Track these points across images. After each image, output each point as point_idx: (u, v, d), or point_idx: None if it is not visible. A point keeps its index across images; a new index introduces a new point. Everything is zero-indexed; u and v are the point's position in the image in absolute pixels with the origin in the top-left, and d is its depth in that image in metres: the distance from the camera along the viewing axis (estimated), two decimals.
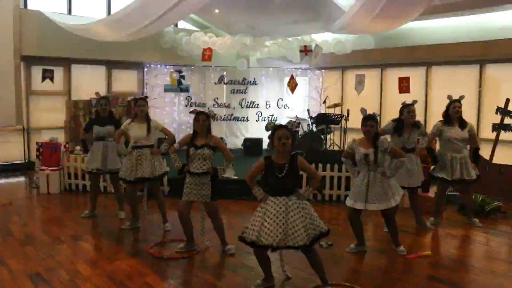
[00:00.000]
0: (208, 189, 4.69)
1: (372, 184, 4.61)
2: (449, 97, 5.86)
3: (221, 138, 5.20)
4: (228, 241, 4.95)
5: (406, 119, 5.55)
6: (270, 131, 3.76)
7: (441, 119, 5.90)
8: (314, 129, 9.93)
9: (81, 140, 6.39)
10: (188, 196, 4.71)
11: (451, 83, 9.34)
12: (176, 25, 11.76)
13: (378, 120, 4.70)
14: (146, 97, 5.82)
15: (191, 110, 4.80)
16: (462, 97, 5.85)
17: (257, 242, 3.61)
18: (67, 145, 8.44)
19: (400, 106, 5.77)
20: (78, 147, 8.47)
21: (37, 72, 9.98)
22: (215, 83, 11.64)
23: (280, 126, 3.72)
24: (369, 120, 4.59)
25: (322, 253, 4.91)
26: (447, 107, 5.82)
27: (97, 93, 6.20)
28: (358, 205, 4.69)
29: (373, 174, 4.63)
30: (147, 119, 5.60)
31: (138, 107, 5.56)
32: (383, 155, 4.65)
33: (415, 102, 5.80)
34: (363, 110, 4.71)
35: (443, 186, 6.01)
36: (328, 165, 7.41)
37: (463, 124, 5.75)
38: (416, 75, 9.80)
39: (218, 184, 4.81)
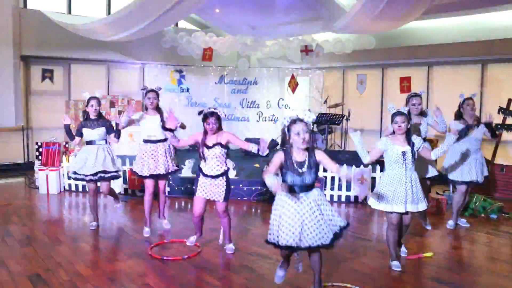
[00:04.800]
0: (222, 190, 4.58)
1: (410, 184, 4.30)
2: (461, 95, 5.65)
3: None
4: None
5: (412, 111, 5.31)
6: (284, 125, 3.54)
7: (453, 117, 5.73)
8: (315, 129, 9.91)
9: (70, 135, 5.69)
10: (202, 193, 4.62)
11: (452, 83, 9.31)
12: (176, 24, 11.75)
13: (407, 115, 4.35)
14: (160, 88, 5.56)
15: (200, 111, 4.54)
16: (474, 95, 5.67)
17: (278, 244, 3.47)
18: (66, 145, 8.41)
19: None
20: (77, 147, 8.44)
21: (36, 71, 9.98)
22: (215, 83, 11.63)
23: (297, 119, 3.48)
24: (397, 116, 4.28)
25: (322, 254, 4.88)
26: (461, 105, 5.62)
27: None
28: (398, 208, 4.30)
29: (409, 173, 4.32)
30: (159, 111, 5.39)
31: (148, 99, 5.34)
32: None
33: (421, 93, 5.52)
34: (390, 107, 4.42)
35: (463, 188, 5.73)
36: None
37: (478, 123, 5.60)
38: (417, 75, 9.77)
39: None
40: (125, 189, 7.63)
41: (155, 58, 11.19)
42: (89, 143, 5.57)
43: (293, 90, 11.07)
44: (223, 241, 5.00)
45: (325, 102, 10.72)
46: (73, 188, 7.87)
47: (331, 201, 7.36)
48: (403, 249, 4.86)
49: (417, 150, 4.37)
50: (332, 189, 7.37)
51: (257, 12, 9.98)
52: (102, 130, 5.57)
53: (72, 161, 5.80)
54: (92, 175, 5.51)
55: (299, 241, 3.41)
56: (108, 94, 10.65)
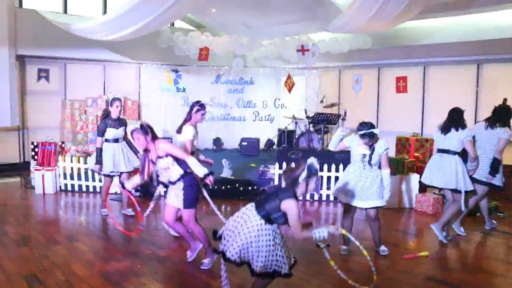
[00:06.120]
0: (180, 195, 4.31)
1: (368, 182, 4.66)
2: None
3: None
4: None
5: None
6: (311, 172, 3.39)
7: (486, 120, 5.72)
8: (311, 128, 9.92)
9: (99, 149, 5.97)
10: (168, 199, 4.45)
11: (448, 82, 9.34)
12: (172, 24, 11.72)
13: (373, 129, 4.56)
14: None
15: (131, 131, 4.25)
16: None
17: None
18: (62, 145, 8.39)
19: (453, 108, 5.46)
20: (74, 147, 8.42)
21: (32, 71, 9.93)
22: (211, 82, 11.62)
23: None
24: (364, 138, 4.56)
25: (320, 253, 4.89)
26: (505, 110, 5.59)
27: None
28: (347, 200, 4.75)
29: (368, 173, 4.67)
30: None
31: (202, 115, 5.22)
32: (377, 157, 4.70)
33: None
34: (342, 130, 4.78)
35: (486, 189, 5.75)
36: (326, 165, 7.40)
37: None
38: (413, 75, 9.80)
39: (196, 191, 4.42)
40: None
41: (151, 58, 11.16)
42: (111, 141, 6.02)
43: (290, 90, 11.09)
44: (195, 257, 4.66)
45: (321, 101, 10.74)
46: (69, 188, 7.85)
47: (327, 200, 7.39)
48: (382, 248, 4.96)
49: (379, 155, 4.64)
50: (328, 188, 7.38)
51: (253, 12, 9.97)
52: (123, 129, 6.07)
53: (105, 164, 5.98)
54: (115, 171, 6.04)
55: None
56: (104, 94, 10.62)
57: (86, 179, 7.76)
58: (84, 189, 7.79)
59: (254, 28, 10.55)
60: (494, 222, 6.05)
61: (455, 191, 5.30)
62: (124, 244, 5.20)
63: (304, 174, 3.35)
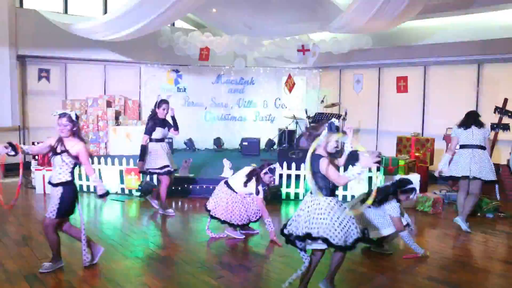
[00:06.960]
0: (55, 202, 4.12)
1: None
2: None
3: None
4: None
5: None
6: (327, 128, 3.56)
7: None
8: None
9: (143, 147, 6.22)
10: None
11: (449, 82, 9.33)
12: (173, 24, 11.72)
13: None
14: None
15: (53, 113, 4.15)
16: None
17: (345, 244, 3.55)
18: None
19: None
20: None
21: (33, 71, 9.94)
22: (212, 82, 11.62)
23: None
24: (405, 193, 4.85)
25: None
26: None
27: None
28: None
29: None
30: None
31: (270, 177, 5.46)
32: None
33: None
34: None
35: None
36: None
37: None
38: (414, 75, 9.79)
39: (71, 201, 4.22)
40: (122, 189, 7.62)
41: (151, 58, 11.16)
42: (159, 140, 6.28)
43: (290, 90, 11.08)
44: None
45: (322, 101, 10.74)
46: None
47: None
48: (386, 247, 5.06)
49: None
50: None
51: (254, 11, 9.97)
52: (167, 130, 6.39)
53: (150, 161, 6.23)
54: (161, 168, 6.23)
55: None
56: (104, 94, 10.63)
57: (87, 179, 7.76)
58: (84, 189, 7.79)
59: (254, 28, 10.56)
60: None
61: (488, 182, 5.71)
62: (124, 244, 5.19)
63: (325, 132, 3.52)
